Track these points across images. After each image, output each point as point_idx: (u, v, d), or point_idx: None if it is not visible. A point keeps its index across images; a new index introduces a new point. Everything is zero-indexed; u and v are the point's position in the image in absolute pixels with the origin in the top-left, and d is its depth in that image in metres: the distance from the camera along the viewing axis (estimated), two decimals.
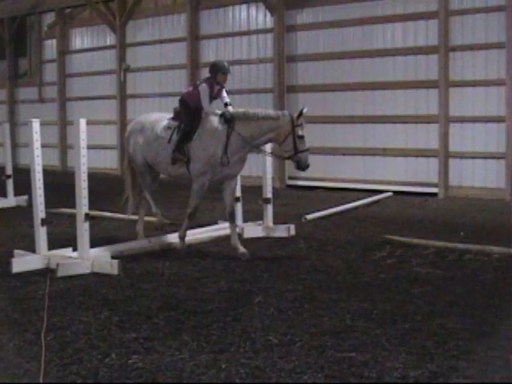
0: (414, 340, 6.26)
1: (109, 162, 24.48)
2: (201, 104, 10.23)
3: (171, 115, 10.73)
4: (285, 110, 10.39)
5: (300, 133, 9.89)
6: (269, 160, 11.82)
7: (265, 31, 20.36)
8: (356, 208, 15.06)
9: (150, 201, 10.89)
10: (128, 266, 9.24)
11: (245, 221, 11.92)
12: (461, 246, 10.46)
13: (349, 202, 15.32)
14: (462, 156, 17.09)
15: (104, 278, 8.74)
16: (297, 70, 19.84)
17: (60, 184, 16.56)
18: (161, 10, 23.08)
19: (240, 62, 20.31)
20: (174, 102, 21.85)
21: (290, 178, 19.91)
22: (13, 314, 7.22)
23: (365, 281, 8.63)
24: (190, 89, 10.78)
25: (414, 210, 15.18)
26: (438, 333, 6.47)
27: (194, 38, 21.95)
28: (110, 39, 24.58)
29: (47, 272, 8.94)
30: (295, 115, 9.91)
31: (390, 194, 17.14)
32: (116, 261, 9.05)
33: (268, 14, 20.12)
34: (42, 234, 9.34)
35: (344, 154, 18.81)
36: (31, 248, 9.52)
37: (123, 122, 24.00)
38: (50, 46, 26.86)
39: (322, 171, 18.38)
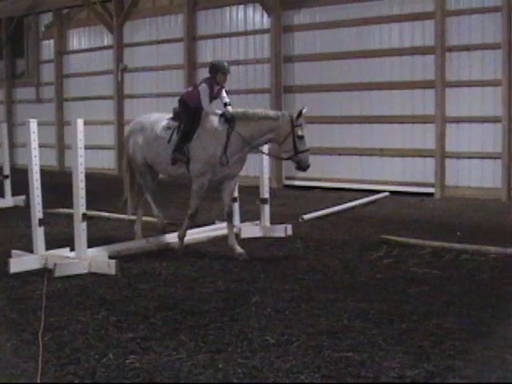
0: (410, 340, 6.27)
1: (106, 162, 24.45)
2: (200, 104, 10.21)
3: (171, 115, 10.72)
4: (285, 111, 10.36)
5: (300, 133, 9.85)
6: (266, 160, 11.82)
7: (262, 32, 20.36)
8: (353, 208, 15.07)
9: (151, 203, 10.86)
10: (125, 266, 9.24)
11: (242, 221, 11.92)
12: (457, 245, 10.47)
13: (346, 202, 15.32)
14: (458, 156, 17.10)
15: (101, 278, 8.74)
16: (294, 70, 19.83)
17: (57, 184, 16.56)
18: (158, 10, 23.06)
19: (237, 63, 20.28)
20: (172, 103, 21.82)
21: (287, 178, 19.92)
22: (10, 314, 7.22)
23: (362, 281, 8.64)
24: (190, 89, 10.76)
25: (411, 209, 15.19)
26: (435, 333, 6.48)
27: (191, 38, 21.93)
28: (108, 39, 24.56)
29: (45, 272, 8.93)
30: (295, 115, 9.88)
31: (386, 194, 17.15)
32: (113, 261, 9.05)
33: (265, 15, 20.11)
34: (39, 234, 9.34)
35: (341, 154, 18.81)
36: (29, 248, 9.52)
37: (120, 122, 24.02)
38: (48, 47, 26.82)
39: (318, 171, 18.35)
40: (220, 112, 10.23)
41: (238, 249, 10.09)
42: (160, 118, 10.88)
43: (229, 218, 10.39)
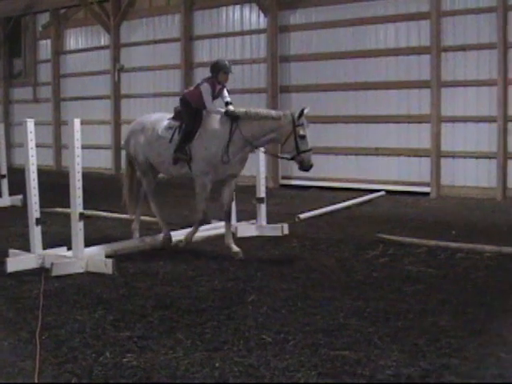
0: (406, 338, 6.27)
1: (103, 161, 24.44)
2: (202, 103, 10.17)
3: (172, 115, 10.69)
4: (287, 110, 10.30)
5: (302, 133, 9.77)
6: (262, 160, 11.81)
7: (258, 32, 20.36)
8: (349, 207, 15.08)
9: (159, 219, 10.82)
10: (122, 265, 9.23)
11: (238, 220, 11.91)
12: (453, 244, 10.49)
13: (341, 202, 15.33)
14: (453, 155, 17.12)
15: (98, 277, 8.73)
16: (290, 70, 19.84)
17: (54, 184, 16.53)
18: (155, 10, 23.06)
19: (233, 63, 20.11)
20: (169, 102, 21.99)
21: (284, 177, 19.94)
22: (8, 313, 7.21)
23: (358, 279, 8.64)
24: (191, 88, 10.73)
25: (407, 209, 15.21)
26: (431, 331, 6.49)
27: (188, 38, 21.94)
28: (105, 39, 24.55)
29: (42, 271, 8.92)
30: (296, 115, 9.81)
31: (382, 193, 17.16)
32: (110, 260, 9.04)
33: (261, 15, 20.12)
34: (36, 234, 9.32)
35: (337, 154, 18.82)
36: (26, 247, 9.50)
37: (117, 122, 24.04)
38: (45, 47, 26.81)
39: (315, 171, 18.31)
40: (223, 110, 10.19)
41: (235, 248, 10.09)
42: (161, 117, 10.84)
43: (227, 217, 10.38)
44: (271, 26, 19.77)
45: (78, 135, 9.12)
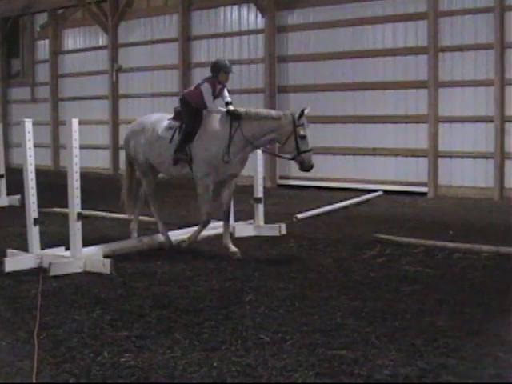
0: (403, 338, 6.28)
1: (101, 161, 24.43)
2: (202, 103, 10.14)
3: (171, 115, 10.66)
4: (287, 110, 10.26)
5: (302, 133, 9.73)
6: (260, 160, 11.81)
7: (256, 32, 20.37)
8: (346, 207, 15.08)
9: (157, 221, 10.80)
10: (120, 265, 9.22)
11: (236, 220, 11.91)
12: (450, 244, 10.49)
13: (339, 202, 15.33)
14: (451, 155, 17.13)
15: (96, 277, 8.73)
16: (288, 70, 19.84)
17: (52, 184, 16.53)
18: (153, 10, 23.05)
19: (231, 63, 20.24)
20: (167, 102, 22.02)
21: (281, 177, 19.94)
22: (5, 313, 7.21)
23: (355, 279, 8.64)
24: (191, 88, 10.71)
25: (404, 209, 15.21)
26: (428, 330, 6.49)
27: (186, 38, 21.94)
28: (102, 40, 24.54)
29: (40, 271, 8.92)
30: (297, 115, 9.78)
31: (380, 193, 17.16)
32: (108, 260, 9.04)
33: (259, 15, 20.12)
34: (34, 234, 9.32)
35: (335, 154, 18.82)
36: (24, 247, 9.50)
37: (115, 122, 24.04)
38: (43, 47, 26.80)
39: (312, 171, 18.33)
40: (224, 110, 10.17)
41: (232, 248, 10.08)
42: (161, 118, 10.81)
43: (226, 217, 10.37)
44: (269, 26, 19.77)
45: (75, 135, 9.11)
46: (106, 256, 9.42)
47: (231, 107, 10.14)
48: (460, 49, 16.82)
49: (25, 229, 9.57)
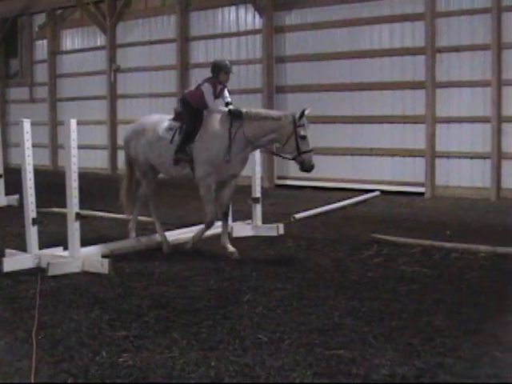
0: (401, 337, 6.28)
1: (99, 161, 24.43)
2: (203, 104, 10.10)
3: (171, 116, 10.65)
4: (287, 111, 10.20)
5: (302, 133, 9.70)
6: (258, 160, 11.81)
7: (254, 32, 20.37)
8: (344, 207, 15.09)
9: (156, 222, 10.76)
10: (118, 265, 9.22)
11: (234, 220, 11.91)
12: (447, 244, 10.50)
13: (337, 202, 15.34)
14: (448, 156, 17.14)
15: (94, 277, 8.73)
16: (285, 70, 19.85)
17: (51, 184, 16.52)
18: (151, 11, 23.05)
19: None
20: (165, 103, 22.01)
21: (279, 177, 19.95)
22: (4, 313, 7.20)
23: (352, 279, 8.64)
24: (192, 89, 10.68)
25: (401, 209, 15.22)
26: (425, 330, 6.50)
27: (184, 39, 21.93)
28: (101, 40, 24.53)
29: (38, 271, 8.91)
30: (297, 116, 9.75)
31: (377, 193, 17.18)
32: (106, 260, 9.04)
33: (257, 16, 20.13)
34: (32, 234, 9.31)
35: (332, 154, 18.81)
36: (22, 247, 9.50)
37: (113, 122, 24.03)
38: (41, 47, 26.78)
39: None
40: (226, 109, 10.15)
41: (230, 248, 10.08)
42: (161, 118, 10.77)
43: (225, 217, 10.35)
44: (267, 26, 19.78)
45: (74, 135, 9.11)
46: (104, 256, 9.42)
47: (232, 107, 10.14)
48: (457, 49, 16.83)
49: (23, 229, 9.57)
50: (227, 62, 10.39)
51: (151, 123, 10.68)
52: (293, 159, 9.97)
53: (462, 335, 6.34)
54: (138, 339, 6.28)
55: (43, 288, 8.13)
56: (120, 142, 23.12)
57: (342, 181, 18.59)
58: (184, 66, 21.92)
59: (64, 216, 9.72)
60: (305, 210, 13.92)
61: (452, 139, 17.07)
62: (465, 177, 16.94)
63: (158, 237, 10.71)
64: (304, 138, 9.74)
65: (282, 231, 11.76)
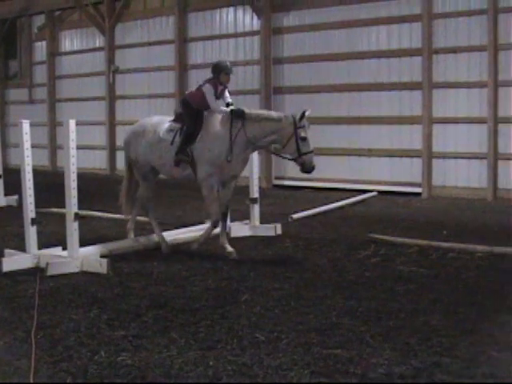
0: (398, 337, 6.28)
1: (98, 162, 24.43)
2: (204, 104, 10.07)
3: (171, 118, 10.62)
4: (288, 112, 10.15)
5: (303, 135, 9.69)
6: (256, 160, 11.81)
7: (252, 34, 20.37)
8: (341, 207, 15.09)
9: (154, 226, 10.73)
10: (117, 265, 9.22)
11: (232, 220, 11.90)
12: (444, 244, 10.50)
13: (334, 202, 15.34)
14: (444, 156, 17.15)
15: (93, 277, 8.72)
16: (283, 71, 19.85)
17: (50, 184, 16.51)
18: (149, 12, 23.05)
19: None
20: (163, 103, 22.01)
21: (277, 178, 19.95)
22: (3, 313, 7.20)
23: (350, 279, 8.64)
24: (193, 90, 10.66)
25: (398, 209, 15.22)
26: (422, 330, 6.50)
27: (182, 40, 21.93)
28: (99, 41, 24.53)
29: (37, 271, 8.91)
30: (298, 117, 9.72)
31: (374, 193, 17.18)
32: (105, 260, 9.03)
33: (255, 17, 20.13)
34: (32, 234, 9.31)
35: (330, 155, 18.81)
36: (21, 247, 9.50)
37: (112, 123, 24.03)
38: (40, 48, 26.78)
39: None
40: (228, 109, 10.12)
41: (229, 248, 10.07)
42: (161, 120, 10.73)
43: (223, 218, 10.34)
44: (265, 28, 19.78)
45: (73, 136, 9.10)
46: (102, 256, 9.41)
47: (233, 107, 10.12)
48: (454, 51, 16.84)
49: (22, 229, 9.56)
50: (228, 63, 10.38)
51: (151, 125, 10.64)
52: (293, 160, 9.95)
53: (458, 335, 6.34)
54: (136, 339, 6.28)
55: (42, 288, 8.13)
56: (118, 142, 23.19)
57: (340, 181, 18.59)
58: (182, 67, 21.92)
59: (63, 216, 9.71)
60: (302, 210, 13.92)
61: (449, 140, 17.08)
62: (461, 177, 16.95)
63: (156, 237, 10.70)
64: (304, 139, 9.72)
65: (279, 231, 11.76)
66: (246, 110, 10.02)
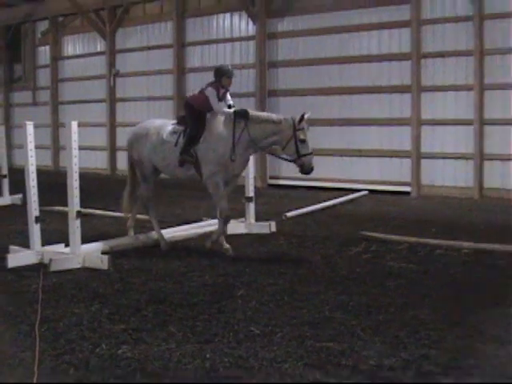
0: (388, 330, 6.29)
1: (99, 162, 24.41)
2: (206, 106, 10.03)
3: (174, 121, 10.59)
4: (288, 115, 10.11)
5: (302, 137, 9.66)
6: (251, 160, 11.79)
7: (247, 38, 20.38)
8: (334, 206, 15.10)
9: (154, 225, 10.69)
10: (117, 262, 9.21)
11: None
12: (432, 241, 10.51)
13: (327, 201, 15.35)
14: (433, 157, 17.17)
15: (95, 273, 8.71)
16: (278, 75, 19.86)
17: (53, 183, 16.49)
18: (148, 18, 23.03)
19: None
20: (162, 106, 21.97)
21: (272, 177, 19.96)
22: (8, 307, 7.19)
23: (342, 275, 8.64)
24: (195, 93, 10.62)
25: (389, 207, 15.22)
26: (411, 323, 6.50)
27: (180, 44, 21.93)
28: (101, 46, 24.50)
29: (41, 267, 8.90)
30: (297, 119, 9.69)
31: (365, 192, 17.19)
32: (106, 256, 9.03)
33: (250, 23, 20.13)
34: (35, 231, 9.30)
35: (322, 155, 18.79)
36: (25, 244, 9.48)
37: (113, 125, 24.03)
38: (44, 53, 26.76)
39: None
40: (231, 111, 10.08)
41: (225, 245, 10.06)
42: (164, 123, 10.67)
43: (221, 216, 10.30)
44: (260, 33, 19.79)
45: (75, 137, 9.09)
46: (104, 253, 9.41)
47: (235, 109, 10.10)
48: (441, 55, 16.87)
49: (26, 226, 9.55)
50: (229, 67, 10.35)
51: (155, 127, 10.60)
52: (293, 162, 9.92)
53: (446, 328, 6.35)
54: (136, 332, 6.28)
55: (45, 283, 8.12)
56: (119, 143, 23.20)
57: (332, 181, 18.60)
58: (180, 71, 21.92)
59: (65, 214, 9.70)
60: (296, 209, 13.93)
61: (436, 141, 17.10)
62: (449, 177, 16.98)
63: (155, 235, 10.69)
64: (303, 141, 9.69)
65: (274, 229, 11.76)
66: (249, 111, 10.01)
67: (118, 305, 7.23)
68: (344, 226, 12.35)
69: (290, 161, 9.99)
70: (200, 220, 12.16)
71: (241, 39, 20.58)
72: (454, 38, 16.68)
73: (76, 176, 9.10)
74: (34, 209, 9.30)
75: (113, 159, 24.03)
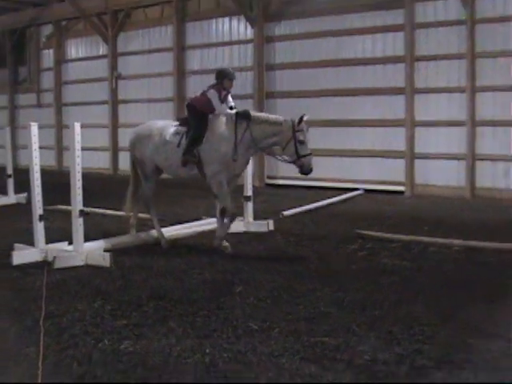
0: (382, 326, 6.30)
1: (102, 162, 24.39)
2: (208, 108, 10.01)
3: (176, 122, 10.58)
4: (287, 116, 10.10)
5: (301, 138, 9.66)
6: (249, 160, 11.76)
7: (245, 42, 20.37)
8: (330, 205, 15.10)
9: (155, 224, 10.66)
10: (119, 259, 9.20)
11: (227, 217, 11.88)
12: (425, 239, 10.51)
13: (323, 200, 15.35)
14: (426, 157, 17.18)
15: (97, 270, 8.71)
16: (275, 77, 19.85)
17: (56, 183, 16.44)
18: (150, 22, 23.03)
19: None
20: (162, 107, 21.94)
21: (269, 177, 19.95)
22: (13, 303, 7.19)
23: (338, 272, 8.64)
24: (197, 95, 10.61)
25: (383, 206, 15.22)
26: (405, 319, 6.51)
27: (180, 48, 21.92)
28: (103, 49, 24.49)
29: (45, 264, 8.90)
30: (296, 121, 9.68)
31: (361, 192, 17.20)
32: (108, 254, 9.02)
33: (248, 26, 20.12)
34: (39, 229, 9.31)
35: (319, 155, 18.76)
36: (30, 242, 9.47)
37: (115, 126, 24.04)
38: (48, 56, 26.74)
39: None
40: (233, 112, 10.05)
41: (224, 242, 10.06)
42: (166, 124, 10.65)
43: (221, 215, 10.29)
44: (258, 36, 19.78)
45: (78, 138, 9.09)
46: (106, 250, 9.41)
47: (237, 110, 10.10)
48: (434, 58, 16.87)
49: (31, 225, 9.55)
50: (231, 70, 10.36)
51: (157, 128, 10.57)
52: (293, 163, 9.90)
53: (439, 323, 6.36)
54: (137, 328, 6.28)
55: (49, 280, 8.12)
56: (121, 144, 23.18)
57: (328, 180, 18.58)
58: (180, 73, 21.92)
59: (69, 213, 9.70)
60: (293, 208, 13.92)
61: (430, 141, 17.10)
62: (442, 177, 16.97)
63: (155, 233, 10.69)
64: (302, 142, 9.69)
65: (272, 227, 11.76)
66: (251, 112, 10.00)
67: (119, 301, 7.24)
68: (340, 225, 12.36)
69: (289, 162, 9.98)
70: (200, 219, 12.14)
71: (239, 42, 20.58)
72: (446, 42, 16.68)
73: (79, 176, 9.11)
74: (38, 207, 9.31)
75: (115, 159, 24.03)
